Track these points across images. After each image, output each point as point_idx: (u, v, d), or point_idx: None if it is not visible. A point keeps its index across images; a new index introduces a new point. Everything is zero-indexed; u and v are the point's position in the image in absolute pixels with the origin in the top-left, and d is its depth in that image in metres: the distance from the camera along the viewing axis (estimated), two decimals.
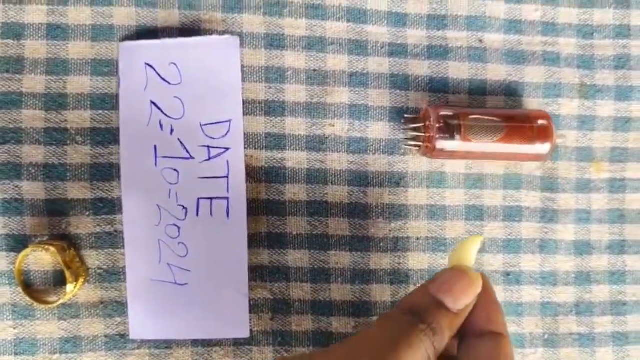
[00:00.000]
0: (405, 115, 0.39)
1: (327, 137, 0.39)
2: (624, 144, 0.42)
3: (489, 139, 0.37)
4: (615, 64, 0.42)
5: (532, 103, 0.41)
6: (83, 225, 0.37)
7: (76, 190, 0.37)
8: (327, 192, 0.39)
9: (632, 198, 0.42)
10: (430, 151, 0.37)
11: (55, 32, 0.37)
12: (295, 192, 0.39)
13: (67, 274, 0.35)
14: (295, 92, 0.39)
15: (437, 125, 0.37)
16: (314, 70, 0.39)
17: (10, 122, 0.36)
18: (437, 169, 0.40)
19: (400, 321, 0.28)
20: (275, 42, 0.39)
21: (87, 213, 0.37)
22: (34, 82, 0.37)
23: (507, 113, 0.39)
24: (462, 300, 0.29)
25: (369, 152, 0.39)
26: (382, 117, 0.40)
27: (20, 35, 0.37)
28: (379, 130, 0.39)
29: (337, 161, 0.39)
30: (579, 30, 0.42)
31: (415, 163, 0.40)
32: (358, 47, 0.39)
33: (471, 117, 0.37)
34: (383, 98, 0.40)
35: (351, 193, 0.39)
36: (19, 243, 0.36)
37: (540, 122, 0.38)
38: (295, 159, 0.39)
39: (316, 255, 0.39)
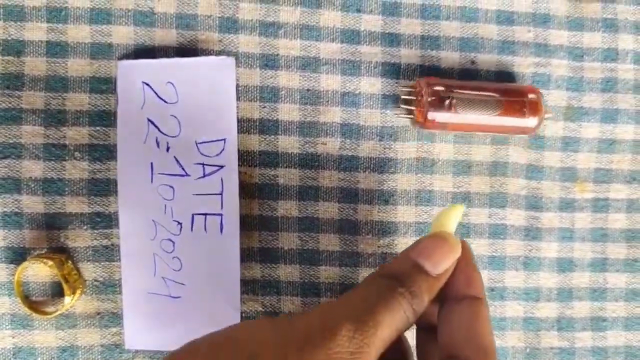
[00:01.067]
0: (400, 88, 0.40)
1: (319, 155, 0.40)
2: (609, 165, 0.43)
3: (481, 111, 0.38)
4: (603, 86, 0.43)
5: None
6: (81, 238, 0.38)
7: (74, 205, 0.38)
8: (318, 209, 0.40)
9: (615, 217, 0.43)
10: (423, 121, 0.39)
11: (55, 49, 0.38)
12: (287, 208, 0.40)
13: (65, 287, 0.36)
14: (288, 111, 0.40)
15: (430, 98, 0.38)
16: (308, 90, 0.40)
17: (10, 138, 0.37)
18: (425, 187, 0.41)
19: (379, 284, 0.28)
20: (270, 62, 0.40)
21: (85, 227, 0.38)
22: (34, 99, 0.38)
23: (499, 87, 0.40)
24: (441, 265, 0.29)
25: (359, 169, 0.41)
26: (372, 136, 0.41)
27: (21, 52, 0.38)
28: (369, 148, 0.41)
29: (329, 178, 0.40)
30: (570, 52, 0.43)
31: (404, 181, 0.41)
32: (351, 67, 0.40)
33: (463, 90, 0.38)
34: (374, 117, 0.41)
35: (341, 209, 0.40)
36: (18, 255, 0.38)
37: (530, 96, 0.39)
38: (287, 176, 0.40)
39: (307, 269, 0.40)
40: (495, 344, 0.28)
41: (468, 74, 0.42)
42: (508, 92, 0.39)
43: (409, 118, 0.40)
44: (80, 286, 0.38)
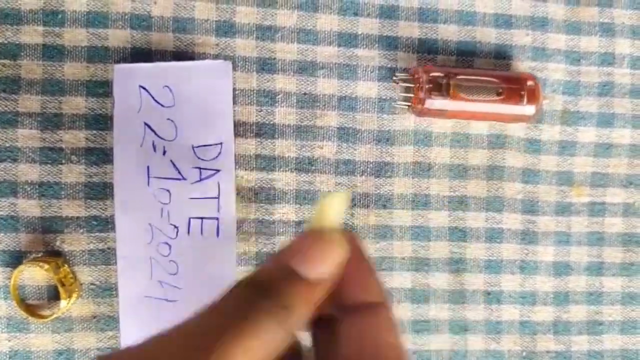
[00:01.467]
0: (397, 74, 0.40)
1: (316, 159, 0.40)
2: (605, 169, 0.43)
3: (479, 97, 0.38)
4: (599, 90, 0.43)
5: (515, 125, 0.42)
6: (77, 242, 0.38)
7: (70, 208, 0.38)
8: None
9: (611, 221, 0.43)
10: (420, 108, 0.39)
11: (51, 52, 0.38)
12: (284, 212, 0.40)
13: (61, 290, 0.36)
14: (285, 115, 0.40)
15: (427, 85, 0.38)
16: (304, 94, 0.40)
17: (6, 141, 0.37)
18: (421, 191, 0.41)
19: (238, 298, 0.21)
20: (266, 66, 0.40)
21: (81, 230, 0.38)
22: (30, 102, 0.38)
23: (497, 74, 0.40)
24: (317, 267, 0.22)
25: (356, 173, 0.41)
26: (369, 140, 0.41)
27: (17, 55, 0.37)
28: (366, 152, 0.41)
29: (325, 182, 0.40)
30: (567, 56, 0.43)
31: (400, 185, 0.41)
32: (348, 71, 0.40)
33: (461, 76, 0.38)
34: (371, 121, 0.41)
35: None
36: (14, 259, 0.38)
37: (529, 83, 0.39)
38: (284, 180, 0.40)
39: None
40: (406, 352, 0.24)
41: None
42: (506, 79, 0.39)
43: (406, 105, 0.40)
44: (77, 289, 0.38)
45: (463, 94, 0.38)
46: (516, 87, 0.39)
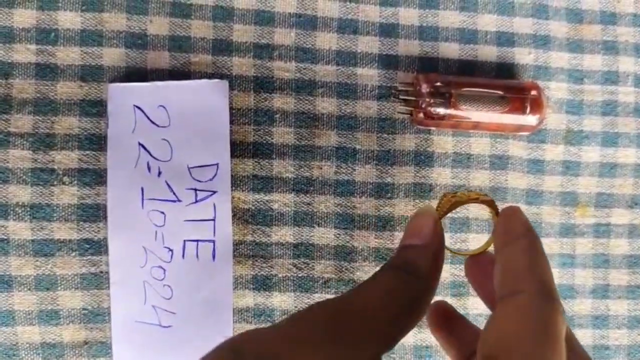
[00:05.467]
0: (399, 83, 0.39)
1: (314, 180, 0.39)
2: (610, 190, 0.42)
3: (481, 108, 0.37)
4: (603, 109, 0.42)
5: (518, 145, 0.41)
6: (69, 265, 0.37)
7: (62, 231, 0.37)
8: (314, 235, 0.39)
9: (617, 243, 0.42)
10: (421, 118, 0.38)
11: (44, 71, 0.37)
12: (281, 234, 0.39)
13: None
14: (283, 135, 0.39)
15: (428, 95, 0.37)
16: (303, 113, 0.39)
17: None
18: None
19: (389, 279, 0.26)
20: (264, 84, 0.39)
21: (73, 254, 0.37)
22: (22, 122, 0.37)
23: (500, 83, 0.39)
24: (417, 235, 0.28)
25: (355, 194, 0.40)
26: (369, 160, 0.40)
27: (9, 74, 0.37)
28: (365, 173, 0.40)
29: (324, 203, 0.39)
30: (570, 75, 0.42)
31: (402, 206, 0.40)
32: (347, 90, 0.40)
33: (463, 88, 0.38)
34: (370, 141, 0.40)
35: (337, 235, 0.39)
36: (4, 283, 0.36)
37: (532, 92, 0.38)
38: (282, 201, 0.39)
39: (301, 297, 0.39)
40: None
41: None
42: (509, 88, 0.38)
43: (407, 114, 0.39)
44: None
45: (465, 105, 0.37)
46: (519, 97, 0.38)
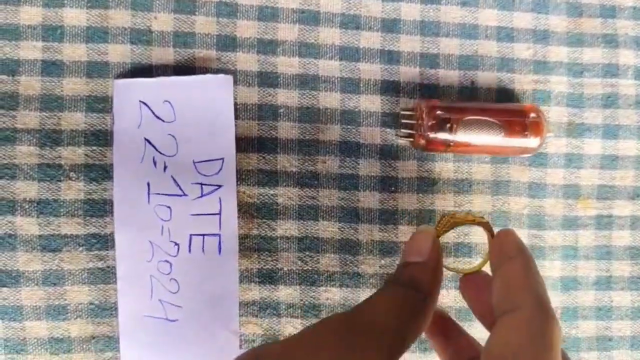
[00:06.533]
0: (400, 109, 0.40)
1: (318, 174, 0.40)
2: (611, 182, 0.42)
3: (482, 134, 0.38)
4: (604, 102, 0.42)
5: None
6: (76, 260, 0.37)
7: (69, 226, 0.37)
8: (319, 228, 0.39)
9: (619, 235, 0.42)
10: (423, 144, 0.38)
11: (50, 68, 0.37)
12: (286, 228, 0.39)
13: None
14: (287, 129, 0.39)
15: (430, 122, 0.37)
16: (307, 108, 0.40)
17: (4, 158, 0.37)
18: (426, 207, 0.40)
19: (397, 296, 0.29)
20: (268, 80, 0.39)
21: (80, 249, 0.37)
22: (29, 118, 0.37)
23: (500, 107, 0.39)
24: (417, 251, 0.30)
25: (359, 188, 0.40)
26: (373, 154, 0.40)
27: (15, 71, 0.37)
28: (369, 166, 0.40)
29: (328, 197, 0.40)
30: (569, 69, 0.42)
31: (405, 200, 0.40)
32: (350, 85, 0.40)
33: (465, 117, 0.38)
34: (374, 135, 0.40)
35: (342, 229, 0.40)
36: (11, 278, 0.37)
37: (532, 115, 0.38)
38: (287, 195, 0.39)
39: (307, 290, 0.39)
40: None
41: (468, 92, 0.41)
42: (509, 112, 0.38)
43: (409, 140, 0.40)
44: None
45: (466, 132, 0.37)
46: (519, 121, 0.38)
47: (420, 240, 0.31)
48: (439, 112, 0.37)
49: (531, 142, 0.38)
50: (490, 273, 0.31)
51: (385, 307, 0.28)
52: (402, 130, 0.39)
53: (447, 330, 0.34)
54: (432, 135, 0.37)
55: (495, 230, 0.32)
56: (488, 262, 0.31)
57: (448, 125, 0.37)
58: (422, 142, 0.38)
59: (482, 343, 0.27)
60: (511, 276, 0.28)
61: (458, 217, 0.33)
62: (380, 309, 0.27)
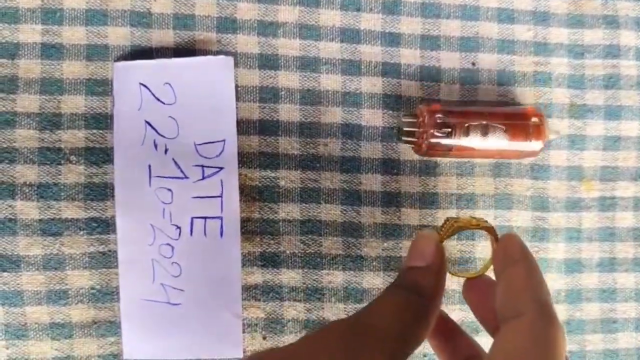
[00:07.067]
0: (402, 116, 0.39)
1: (320, 156, 0.39)
2: (614, 163, 0.42)
3: (484, 138, 0.37)
4: (605, 83, 0.42)
5: None
6: (77, 244, 0.37)
7: (70, 210, 0.37)
8: (321, 211, 0.39)
9: (622, 216, 0.42)
10: (425, 149, 0.38)
11: (50, 51, 0.37)
12: (288, 211, 0.39)
13: None
14: (288, 112, 0.39)
15: (432, 128, 0.37)
16: (308, 90, 0.39)
17: (3, 142, 0.36)
18: (429, 189, 0.40)
19: (395, 301, 0.29)
20: (269, 62, 0.39)
21: (81, 233, 0.37)
22: (28, 102, 0.37)
23: (502, 111, 0.39)
24: (420, 256, 0.30)
25: (362, 171, 0.40)
26: (375, 137, 0.40)
27: (15, 54, 0.37)
28: (371, 149, 0.40)
29: (330, 180, 0.39)
30: (570, 50, 0.42)
31: (407, 182, 0.40)
32: (351, 67, 0.40)
33: (465, 117, 0.38)
34: (376, 117, 0.40)
35: (344, 212, 0.39)
36: (12, 263, 0.36)
37: (533, 119, 0.38)
38: (288, 177, 0.39)
39: (310, 274, 0.39)
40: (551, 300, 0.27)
41: (469, 75, 0.41)
42: (511, 116, 0.38)
43: (409, 145, 0.39)
44: None
45: (467, 137, 0.37)
46: (522, 124, 0.38)
47: (423, 245, 0.30)
48: (440, 119, 0.37)
49: (533, 145, 0.38)
50: (493, 277, 0.31)
51: (388, 312, 0.27)
52: (404, 138, 0.39)
53: (447, 331, 0.34)
54: (433, 141, 0.37)
55: (499, 233, 0.31)
56: (492, 267, 0.31)
57: (449, 130, 0.37)
58: (424, 148, 0.38)
59: (486, 349, 0.28)
60: (515, 281, 0.28)
61: (462, 221, 0.32)
62: (384, 314, 0.27)
